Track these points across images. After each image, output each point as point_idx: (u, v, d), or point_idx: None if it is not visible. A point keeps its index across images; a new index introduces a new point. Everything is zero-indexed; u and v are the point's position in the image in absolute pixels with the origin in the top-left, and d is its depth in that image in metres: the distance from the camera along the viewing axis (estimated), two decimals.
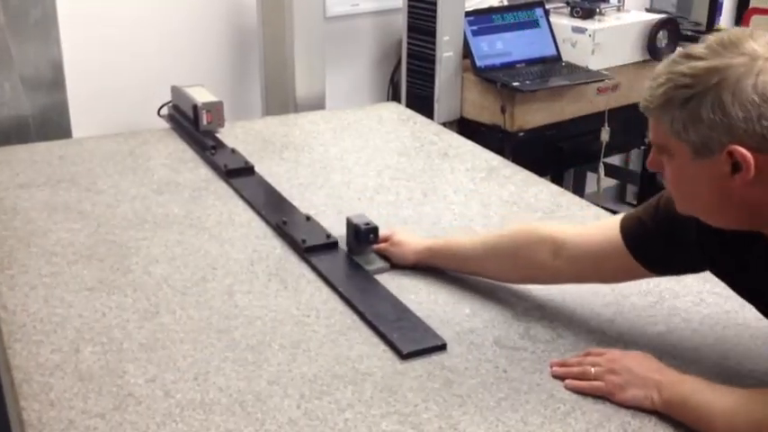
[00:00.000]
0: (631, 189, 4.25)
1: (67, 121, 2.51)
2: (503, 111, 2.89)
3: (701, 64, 1.04)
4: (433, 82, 2.99)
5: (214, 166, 2.11)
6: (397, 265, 1.62)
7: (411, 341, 1.38)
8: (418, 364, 1.34)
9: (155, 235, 1.76)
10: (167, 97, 2.48)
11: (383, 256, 1.64)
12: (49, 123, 2.47)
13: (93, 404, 1.23)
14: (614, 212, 1.97)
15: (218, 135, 2.31)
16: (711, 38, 1.07)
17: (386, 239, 1.65)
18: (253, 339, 1.40)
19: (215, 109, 2.32)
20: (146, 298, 1.52)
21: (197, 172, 2.10)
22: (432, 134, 2.42)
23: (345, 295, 1.52)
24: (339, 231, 1.74)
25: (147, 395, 1.25)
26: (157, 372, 1.31)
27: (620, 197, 4.35)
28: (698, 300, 1.52)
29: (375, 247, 1.65)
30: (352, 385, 1.28)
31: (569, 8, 3.25)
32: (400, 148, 2.31)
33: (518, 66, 3.06)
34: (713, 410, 1.13)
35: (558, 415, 1.21)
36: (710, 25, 3.56)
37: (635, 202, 4.05)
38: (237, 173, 2.06)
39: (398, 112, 2.62)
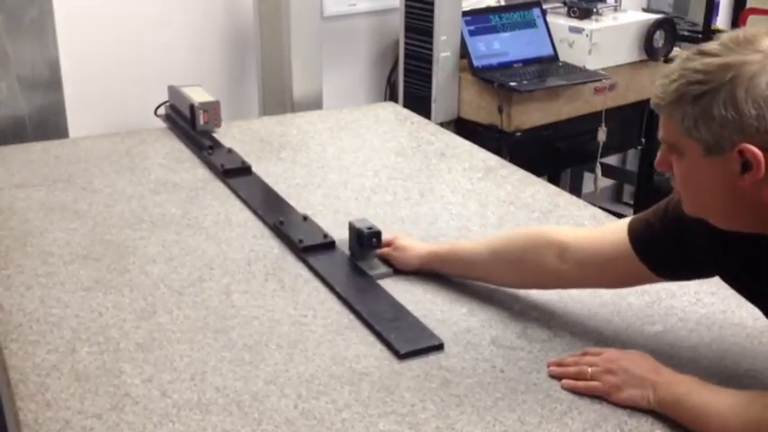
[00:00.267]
0: (628, 189, 4.26)
1: (64, 121, 2.50)
2: (500, 111, 2.89)
3: (714, 60, 1.03)
4: (430, 82, 2.99)
5: (211, 166, 2.11)
6: (401, 270, 1.60)
7: (408, 341, 1.38)
8: (415, 364, 1.33)
9: (152, 235, 1.76)
10: (164, 97, 2.48)
11: (386, 260, 1.62)
12: (46, 123, 2.46)
13: (89, 404, 1.23)
14: (611, 212, 1.98)
15: (215, 135, 2.31)
16: (726, 35, 1.06)
17: (389, 244, 1.63)
18: (250, 339, 1.40)
19: (212, 109, 2.32)
20: (142, 298, 1.52)
21: (194, 172, 2.10)
22: (429, 134, 2.42)
23: (342, 295, 1.52)
24: (336, 231, 1.74)
25: (144, 395, 1.25)
26: (154, 372, 1.30)
27: (617, 197, 4.36)
28: (695, 299, 1.52)
29: (378, 251, 1.63)
30: (349, 385, 1.28)
31: (566, 8, 3.25)
32: (397, 147, 2.31)
33: (515, 66, 3.06)
34: (708, 411, 1.13)
35: (554, 414, 1.21)
36: (707, 25, 3.57)
37: (632, 202, 4.05)
38: (234, 173, 2.06)
39: (396, 112, 2.62)
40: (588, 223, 1.84)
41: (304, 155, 2.24)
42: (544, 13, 3.17)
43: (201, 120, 2.30)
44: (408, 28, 3.03)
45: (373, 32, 3.31)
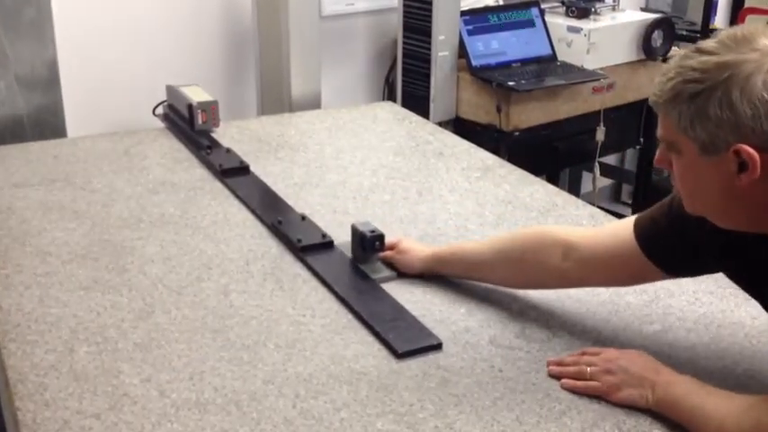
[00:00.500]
0: (627, 188, 4.26)
1: (62, 121, 2.50)
2: (498, 110, 2.89)
3: (711, 59, 1.02)
4: (428, 81, 2.99)
5: (209, 166, 2.11)
6: (404, 273, 1.59)
7: (406, 340, 1.38)
8: (414, 364, 1.34)
9: (150, 234, 1.76)
10: (162, 96, 2.48)
11: (389, 264, 1.62)
12: (44, 123, 2.46)
13: (88, 404, 1.23)
14: (610, 212, 1.98)
15: (213, 134, 2.31)
16: (724, 32, 1.05)
17: (392, 247, 1.62)
18: (248, 339, 1.40)
19: (210, 108, 2.32)
20: (141, 298, 1.52)
21: (192, 171, 2.10)
22: (427, 133, 2.42)
23: (341, 295, 1.52)
24: (334, 231, 1.74)
25: (143, 395, 1.25)
26: (152, 371, 1.30)
27: (615, 197, 4.36)
28: (693, 299, 1.52)
29: (381, 255, 1.62)
30: (347, 385, 1.28)
31: (565, 8, 3.25)
32: (396, 147, 2.31)
33: (513, 65, 3.06)
34: (706, 414, 1.13)
35: (553, 414, 1.21)
36: (705, 25, 3.57)
37: (630, 202, 4.06)
38: (233, 172, 2.06)
39: (394, 112, 2.62)
40: (586, 222, 1.84)
41: (302, 154, 2.24)
42: (542, 12, 3.17)
43: (200, 119, 2.30)
44: (407, 27, 3.03)
45: (371, 32, 3.31)
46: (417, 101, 2.99)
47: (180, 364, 1.33)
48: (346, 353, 1.36)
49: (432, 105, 3.00)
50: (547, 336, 1.41)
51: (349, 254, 1.66)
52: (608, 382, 1.24)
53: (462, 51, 3.01)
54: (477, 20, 3.06)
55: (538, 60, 3.10)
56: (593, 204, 2.00)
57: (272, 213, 1.83)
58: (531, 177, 2.11)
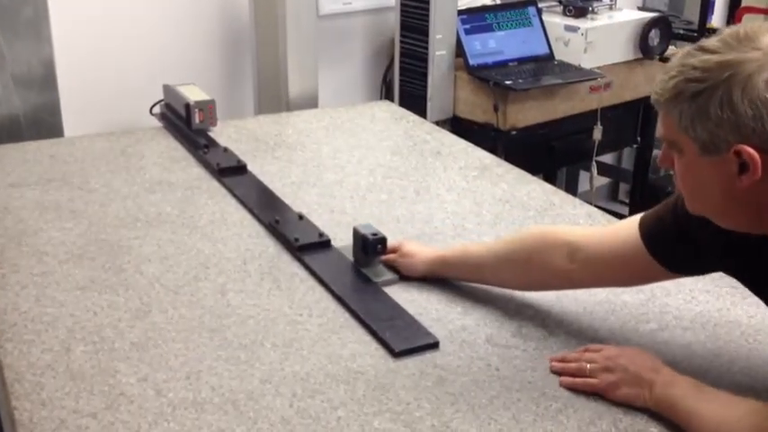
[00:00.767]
0: (624, 187, 4.26)
1: (59, 120, 2.50)
2: (495, 109, 2.90)
3: (713, 57, 1.01)
4: (425, 80, 2.99)
5: (206, 165, 2.11)
6: (407, 276, 1.58)
7: (403, 339, 1.38)
8: (411, 363, 1.34)
9: (147, 234, 1.76)
10: (159, 96, 2.48)
11: (391, 267, 1.60)
12: (41, 122, 2.46)
13: (84, 403, 1.23)
14: (607, 211, 1.98)
15: (210, 134, 2.31)
16: (727, 31, 1.03)
17: (394, 250, 1.60)
18: (245, 338, 1.40)
19: (207, 108, 2.32)
20: (138, 297, 1.52)
21: (189, 171, 2.10)
22: (424, 133, 2.42)
23: (338, 294, 1.52)
24: (331, 230, 1.74)
25: (139, 394, 1.25)
26: (149, 371, 1.30)
27: (612, 195, 4.36)
28: (690, 298, 1.52)
29: (383, 258, 1.60)
30: (344, 384, 1.28)
31: (562, 7, 3.25)
32: (393, 146, 2.31)
33: (511, 64, 3.06)
34: (702, 417, 1.13)
35: (549, 412, 1.22)
36: (702, 24, 3.57)
37: (627, 201, 4.06)
38: (230, 172, 2.06)
39: (391, 111, 2.62)
40: (584, 221, 1.85)
41: (299, 154, 2.24)
42: (540, 11, 3.17)
43: (197, 119, 2.30)
44: (404, 26, 3.03)
45: (369, 31, 3.31)
46: (415, 100, 2.99)
47: (177, 363, 1.33)
48: (343, 352, 1.36)
49: (429, 104, 3.00)
50: (543, 334, 1.41)
51: (350, 257, 1.64)
52: (606, 380, 1.24)
53: (459, 50, 3.01)
54: (474, 19, 3.06)
55: (535, 59, 3.11)
56: (591, 203, 2.00)
57: (270, 212, 1.83)
58: (529, 176, 2.11)
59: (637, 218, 1.31)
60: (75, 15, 2.67)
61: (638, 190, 3.67)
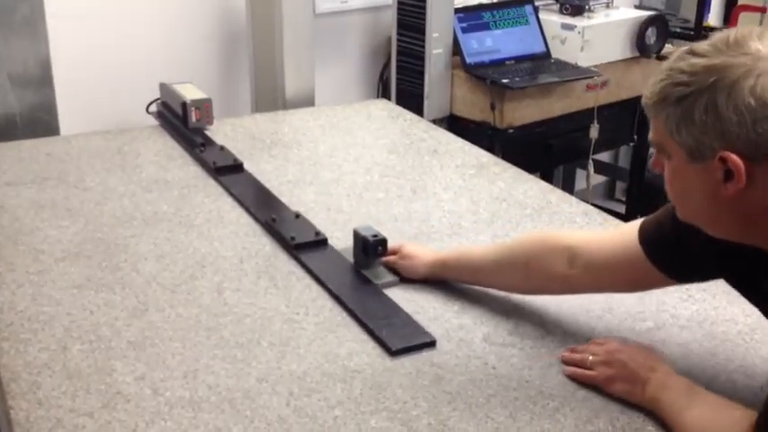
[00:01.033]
0: (621, 186, 4.27)
1: (55, 119, 2.50)
2: (492, 108, 2.90)
3: (701, 62, 0.99)
4: (422, 79, 2.99)
5: (203, 164, 2.11)
6: (408, 278, 1.57)
7: (400, 338, 1.38)
8: (407, 361, 1.34)
9: (143, 232, 1.75)
10: (156, 94, 2.47)
11: (392, 269, 1.59)
12: (37, 121, 2.46)
13: (81, 402, 1.22)
14: (603, 209, 1.98)
15: (206, 132, 2.31)
16: (717, 35, 1.02)
17: (395, 252, 1.59)
18: (242, 337, 1.39)
19: (204, 106, 2.32)
20: (134, 296, 1.51)
21: (186, 169, 2.10)
22: (421, 131, 2.42)
23: (335, 293, 1.52)
24: (328, 229, 1.74)
25: (136, 393, 1.25)
26: (146, 370, 1.30)
27: (609, 194, 4.37)
28: (686, 296, 1.52)
29: (384, 259, 1.59)
30: (341, 383, 1.28)
31: (558, 5, 3.25)
32: (390, 145, 2.30)
33: (507, 63, 3.06)
34: (687, 420, 1.13)
35: (546, 411, 1.22)
36: (699, 22, 3.58)
37: (624, 199, 4.06)
38: (226, 170, 2.06)
39: (388, 109, 2.62)
40: (580, 220, 1.85)
41: (296, 152, 2.24)
42: (536, 10, 3.17)
43: (193, 117, 2.30)
44: (401, 25, 3.03)
45: (365, 29, 3.30)
46: (411, 98, 2.99)
47: (173, 362, 1.32)
48: (340, 351, 1.36)
49: (426, 103, 3.00)
50: (540, 333, 1.41)
51: (350, 259, 1.63)
52: (604, 374, 1.25)
53: (456, 49, 3.01)
54: (471, 17, 3.06)
55: (532, 58, 3.11)
56: (587, 201, 2.00)
57: (266, 211, 1.83)
58: (526, 175, 2.11)
59: (637, 223, 1.29)
60: (71, 14, 2.67)
61: (634, 188, 3.68)
